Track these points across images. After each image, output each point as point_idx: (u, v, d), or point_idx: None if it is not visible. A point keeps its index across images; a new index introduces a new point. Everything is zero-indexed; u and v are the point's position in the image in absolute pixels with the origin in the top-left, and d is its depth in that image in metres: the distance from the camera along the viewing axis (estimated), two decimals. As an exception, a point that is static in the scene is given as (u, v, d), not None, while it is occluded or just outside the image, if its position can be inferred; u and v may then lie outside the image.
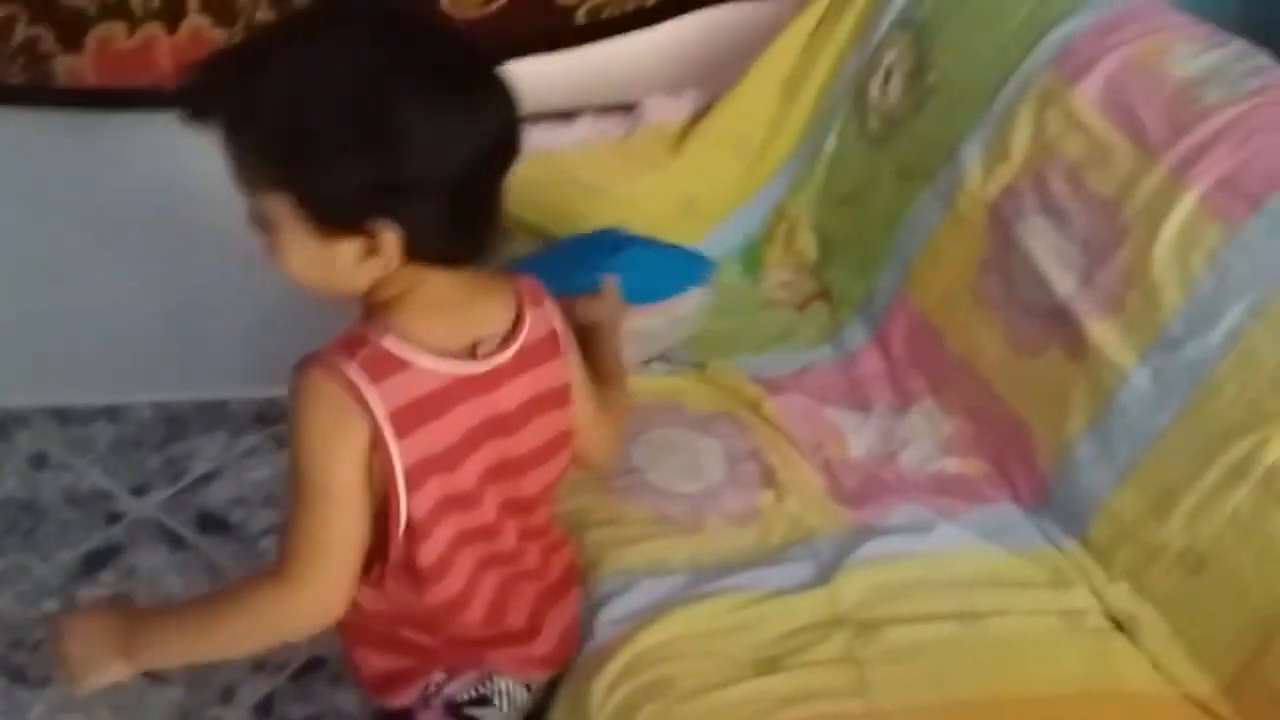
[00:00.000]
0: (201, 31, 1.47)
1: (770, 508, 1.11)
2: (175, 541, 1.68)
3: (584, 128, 1.49)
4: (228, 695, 1.45)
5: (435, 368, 0.83)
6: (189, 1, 1.44)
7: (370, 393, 0.80)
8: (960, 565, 1.07)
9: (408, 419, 0.82)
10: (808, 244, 1.46)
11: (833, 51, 1.50)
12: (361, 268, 0.81)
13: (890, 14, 1.44)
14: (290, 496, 0.84)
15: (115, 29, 1.45)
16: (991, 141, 1.24)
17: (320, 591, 0.83)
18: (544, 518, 0.99)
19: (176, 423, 1.89)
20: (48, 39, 1.44)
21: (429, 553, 0.86)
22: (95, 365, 1.84)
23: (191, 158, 1.59)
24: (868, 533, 1.08)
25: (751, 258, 1.49)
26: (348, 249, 0.80)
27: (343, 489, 0.82)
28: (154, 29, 1.46)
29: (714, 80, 1.58)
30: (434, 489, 0.84)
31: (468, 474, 0.87)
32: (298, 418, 0.83)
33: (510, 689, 0.97)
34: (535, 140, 1.45)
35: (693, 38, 1.64)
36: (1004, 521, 1.13)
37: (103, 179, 1.64)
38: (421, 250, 0.81)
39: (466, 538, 0.89)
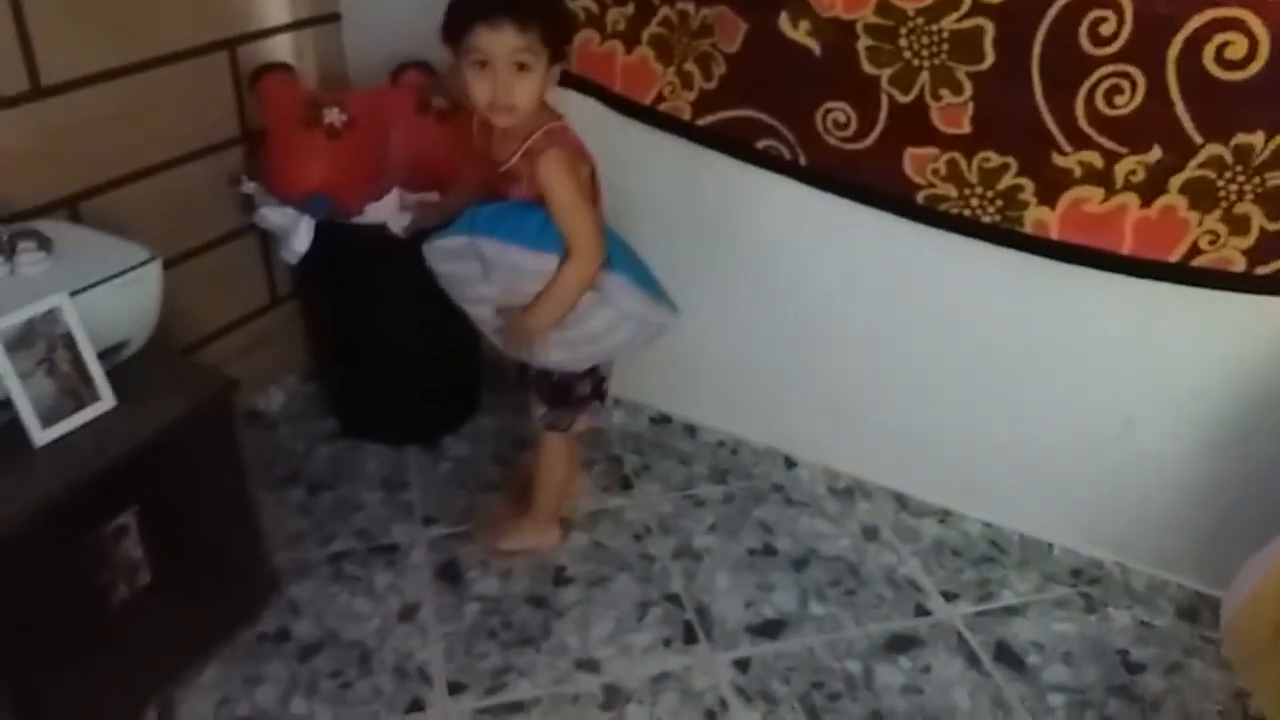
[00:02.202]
0: (1176, 210, 1.50)
1: None
2: (971, 659, 1.74)
3: None
4: None
5: None
6: (1169, 181, 1.47)
7: (587, 149, 1.64)
8: None
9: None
10: None
11: None
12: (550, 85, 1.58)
13: None
14: (571, 216, 1.55)
15: (1092, 193, 1.54)
16: None
17: (601, 253, 1.59)
18: None
19: (998, 547, 1.97)
20: (1028, 190, 1.59)
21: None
22: (939, 471, 1.99)
23: (1101, 321, 1.67)
24: None
25: None
26: (554, 71, 1.57)
27: (589, 201, 1.61)
28: (1128, 198, 1.53)
29: None
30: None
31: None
32: (564, 172, 1.55)
33: None
34: None
35: None
36: None
37: (1029, 321, 1.76)
38: None
39: None
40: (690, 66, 1.75)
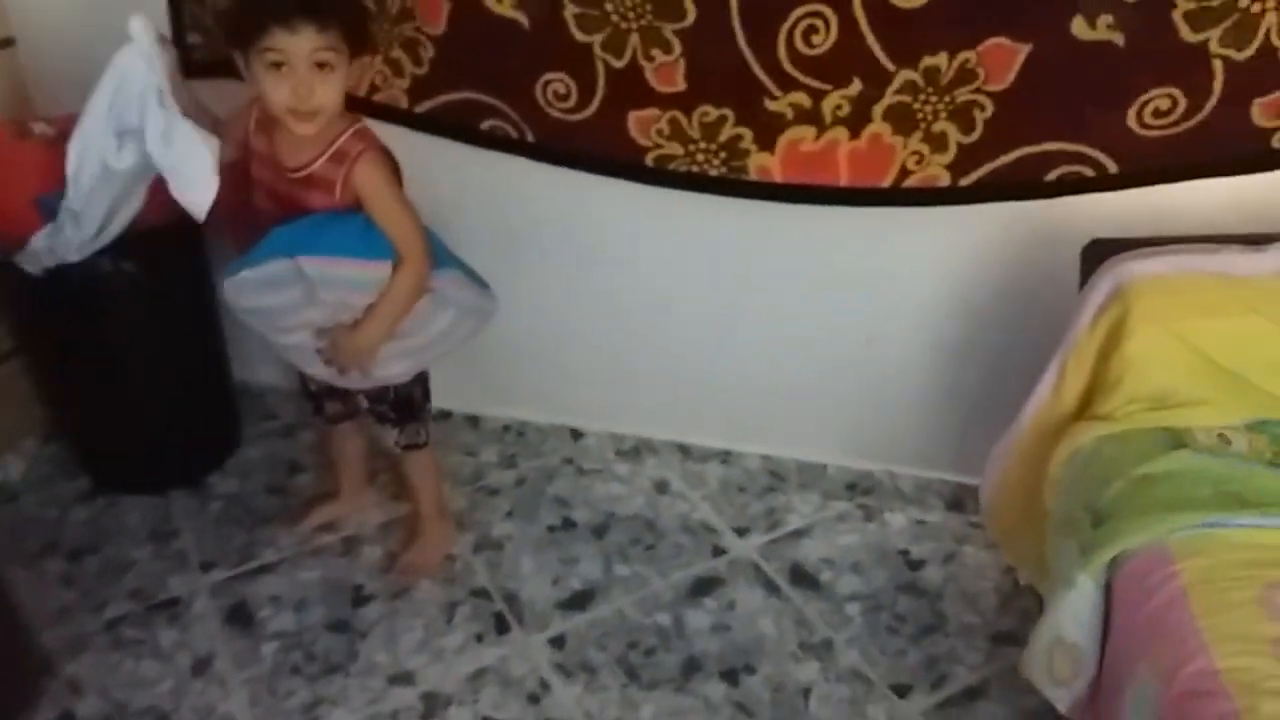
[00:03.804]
0: (882, 138, 1.59)
1: None
2: (770, 586, 1.82)
3: (1278, 255, 1.38)
4: None
5: None
6: (872, 110, 1.56)
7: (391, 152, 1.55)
8: None
9: None
10: None
11: None
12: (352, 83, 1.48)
13: None
14: (400, 219, 1.50)
15: (805, 132, 1.61)
16: None
17: (431, 254, 1.54)
18: None
19: (778, 477, 2.06)
20: (747, 138, 1.65)
21: None
22: (716, 414, 2.07)
23: (832, 251, 1.78)
24: None
25: None
26: (356, 67, 1.47)
27: (409, 201, 1.53)
28: (838, 132, 1.60)
29: None
30: None
31: None
32: (386, 174, 1.50)
33: None
34: (1222, 264, 1.39)
35: None
36: None
37: (768, 261, 1.85)
38: None
39: None
40: (398, 53, 1.70)
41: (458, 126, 1.74)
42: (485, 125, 1.72)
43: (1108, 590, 1.21)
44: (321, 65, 1.42)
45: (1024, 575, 1.68)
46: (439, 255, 1.58)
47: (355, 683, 1.63)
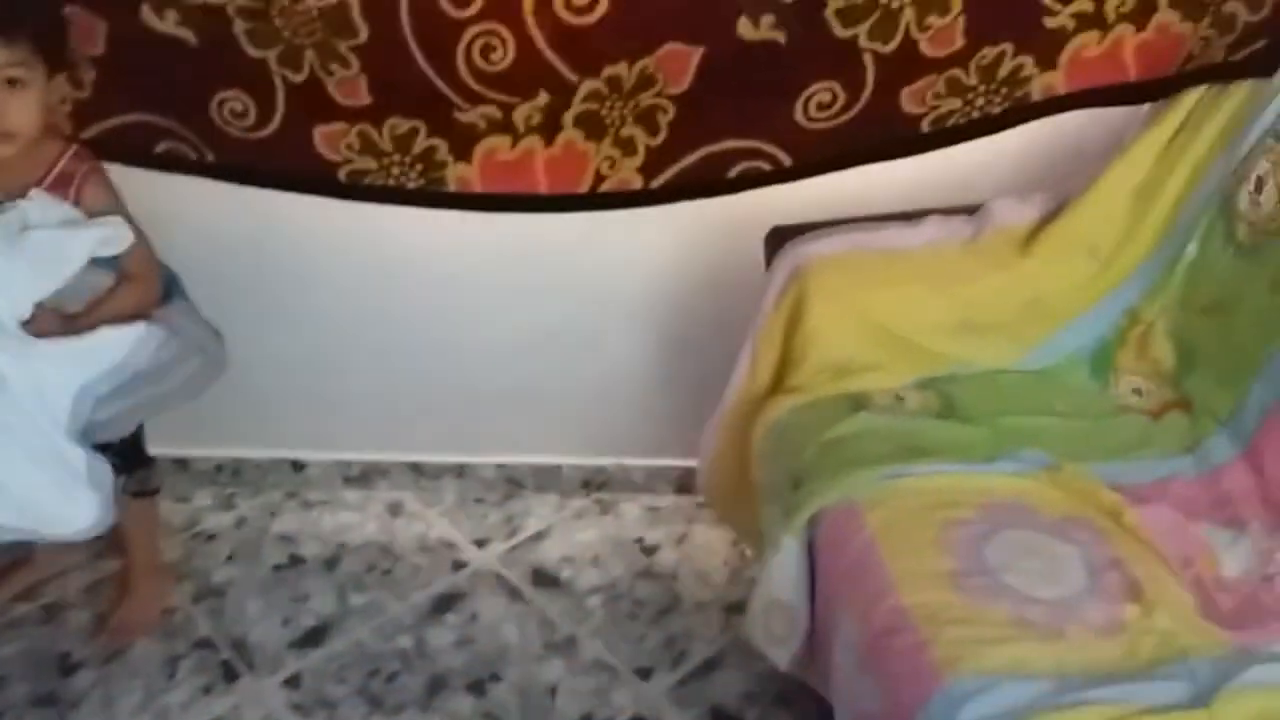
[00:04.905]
0: (575, 144, 1.61)
1: (1136, 622, 1.08)
2: (512, 593, 1.82)
3: (931, 228, 1.53)
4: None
5: None
6: (563, 118, 1.57)
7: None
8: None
9: None
10: (1164, 351, 1.42)
11: (1192, 159, 1.47)
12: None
13: (1262, 124, 1.40)
14: (136, 239, 1.46)
15: (500, 141, 1.60)
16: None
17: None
18: None
19: (515, 483, 2.07)
20: (442, 149, 1.63)
21: None
22: (446, 429, 2.05)
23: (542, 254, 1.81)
24: (1250, 658, 1.02)
25: (1100, 361, 1.47)
26: (56, 84, 1.40)
27: None
28: (533, 141, 1.61)
29: (1059, 185, 1.60)
30: None
31: None
32: (113, 191, 1.48)
33: None
34: (884, 240, 1.52)
35: (1039, 142, 1.66)
36: None
37: (480, 269, 1.85)
38: None
39: None
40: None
41: (131, 151, 1.62)
42: (161, 148, 1.61)
43: (811, 549, 1.30)
44: (12, 82, 1.32)
45: (748, 547, 1.77)
46: (173, 286, 1.54)
47: (68, 760, 1.50)
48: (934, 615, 1.11)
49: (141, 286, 1.47)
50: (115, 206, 1.46)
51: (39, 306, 1.44)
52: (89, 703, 1.59)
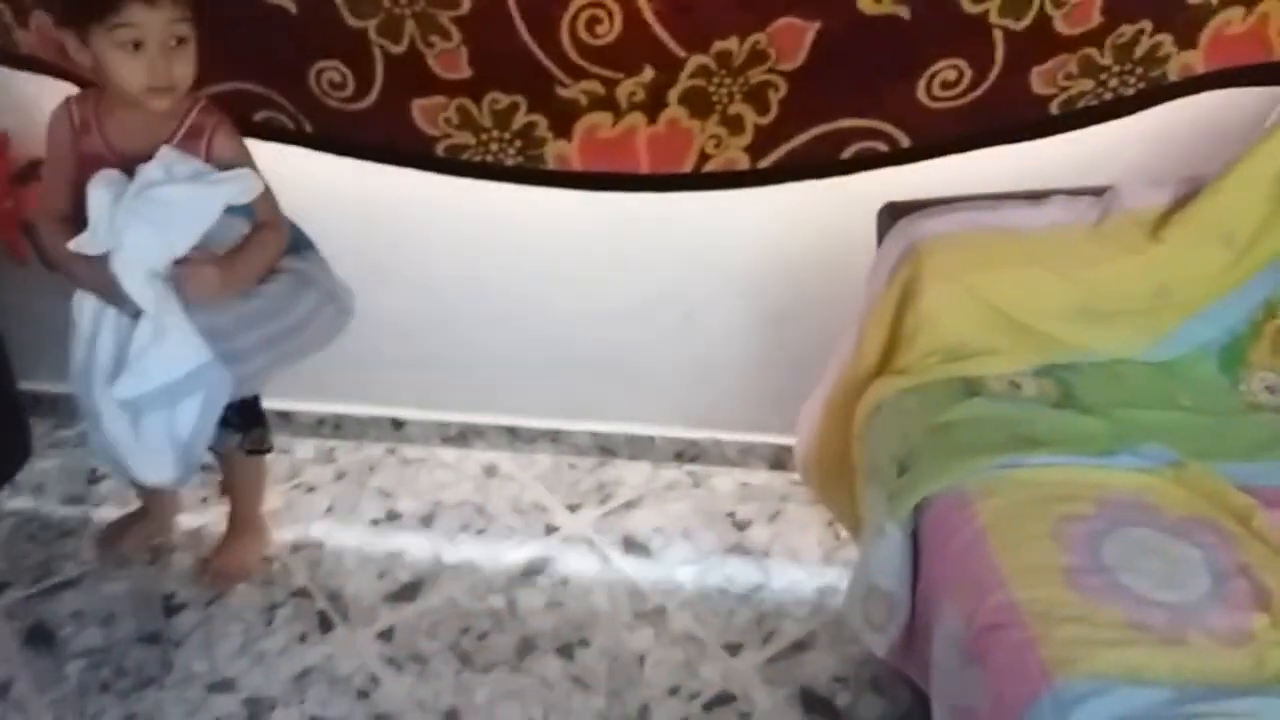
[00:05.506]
0: (679, 122, 1.57)
1: (1265, 632, 1.02)
2: (603, 560, 1.82)
3: (1055, 209, 1.47)
4: (644, 713, 1.55)
5: None
6: (668, 95, 1.53)
7: None
8: None
9: None
10: (1304, 348, 1.35)
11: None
12: None
13: None
14: (266, 188, 1.48)
15: (602, 118, 1.57)
16: None
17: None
18: None
19: (608, 452, 2.07)
20: (542, 125, 1.59)
21: None
22: (543, 394, 2.05)
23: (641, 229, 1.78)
24: (1390, 681, 0.97)
25: (1231, 356, 1.40)
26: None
27: None
28: (635, 118, 1.56)
29: (1190, 169, 1.51)
30: None
31: None
32: (240, 141, 1.50)
33: None
34: (1005, 219, 1.46)
35: (1170, 124, 1.57)
36: None
37: (580, 241, 1.84)
38: None
39: None
40: None
41: (231, 119, 1.65)
42: (259, 117, 1.62)
43: (915, 536, 1.26)
44: (181, 40, 1.36)
45: (843, 528, 1.74)
46: (301, 239, 1.56)
47: (171, 694, 1.55)
48: (1046, 612, 1.07)
49: (276, 232, 1.50)
50: (244, 157, 1.49)
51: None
52: (191, 643, 1.64)
